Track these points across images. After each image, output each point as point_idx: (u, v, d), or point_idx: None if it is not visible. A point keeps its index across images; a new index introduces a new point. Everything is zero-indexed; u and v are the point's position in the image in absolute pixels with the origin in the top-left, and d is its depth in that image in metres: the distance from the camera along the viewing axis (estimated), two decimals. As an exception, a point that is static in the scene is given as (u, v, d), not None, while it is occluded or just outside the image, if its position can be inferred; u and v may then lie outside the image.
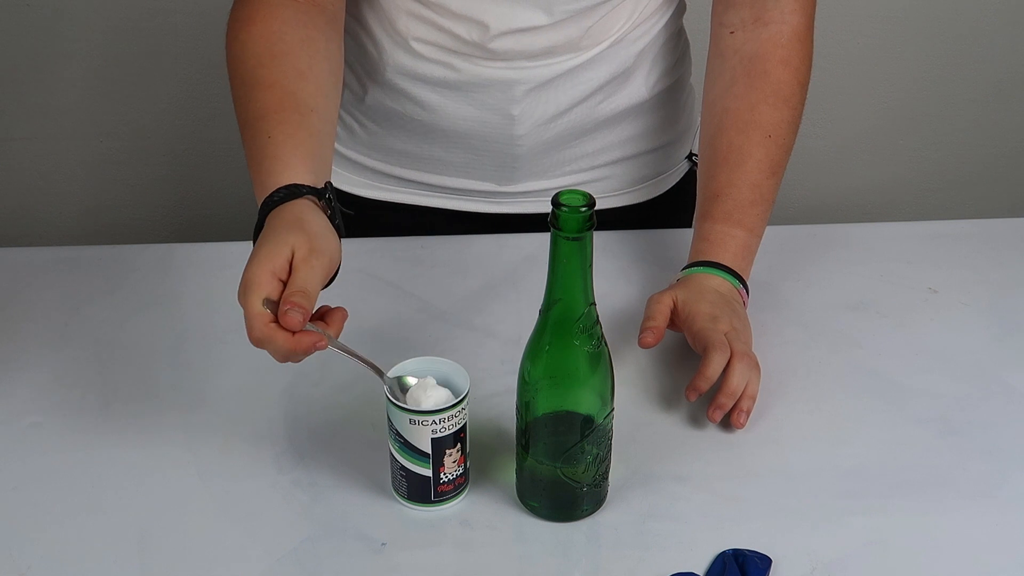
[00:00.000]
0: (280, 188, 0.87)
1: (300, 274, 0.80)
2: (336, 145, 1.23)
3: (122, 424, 0.98)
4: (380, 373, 0.86)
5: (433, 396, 0.85)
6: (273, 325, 0.79)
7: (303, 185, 0.88)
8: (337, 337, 0.84)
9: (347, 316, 0.85)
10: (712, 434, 0.97)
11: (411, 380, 0.87)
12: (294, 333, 0.79)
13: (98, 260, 1.20)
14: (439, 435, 0.85)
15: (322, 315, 0.85)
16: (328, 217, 0.88)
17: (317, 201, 0.88)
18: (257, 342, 0.79)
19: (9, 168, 2.14)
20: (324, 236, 0.84)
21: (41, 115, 2.09)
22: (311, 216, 0.85)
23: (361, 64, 1.17)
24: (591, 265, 0.79)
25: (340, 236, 0.87)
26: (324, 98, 0.99)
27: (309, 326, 0.81)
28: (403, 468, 0.87)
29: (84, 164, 2.15)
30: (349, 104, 1.20)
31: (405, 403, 0.84)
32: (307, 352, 0.80)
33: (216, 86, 2.03)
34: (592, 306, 0.81)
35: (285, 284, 0.81)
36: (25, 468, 0.93)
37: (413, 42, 1.11)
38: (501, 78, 1.11)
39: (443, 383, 0.88)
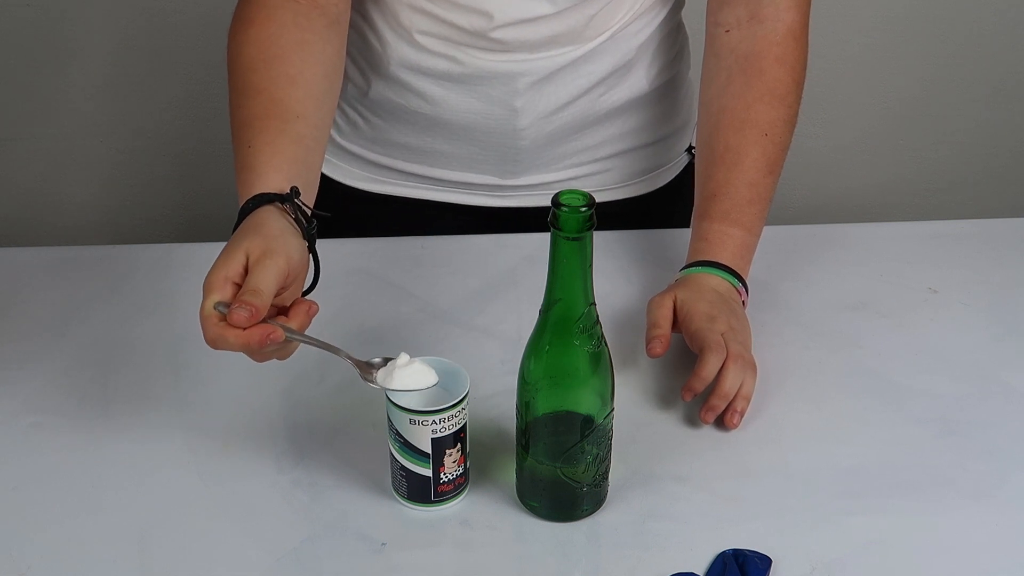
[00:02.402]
0: (249, 200, 0.89)
1: (253, 275, 0.81)
2: (339, 139, 1.24)
3: (122, 424, 0.98)
4: (347, 357, 0.86)
5: (411, 378, 0.85)
6: (223, 324, 0.80)
7: (269, 193, 0.90)
8: (304, 329, 0.84)
9: (315, 309, 0.85)
10: (712, 434, 0.97)
11: (376, 360, 0.86)
12: (245, 329, 0.80)
13: (98, 260, 1.20)
14: (439, 435, 0.85)
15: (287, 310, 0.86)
16: (294, 220, 0.89)
17: (282, 205, 0.90)
18: (211, 343, 0.81)
19: (10, 168, 2.14)
20: (281, 237, 0.85)
21: (42, 115, 2.09)
22: (271, 220, 0.87)
23: (365, 58, 1.17)
24: (591, 265, 0.79)
25: (307, 235, 0.89)
26: (314, 102, 0.99)
27: (274, 323, 0.82)
28: (403, 468, 0.87)
29: (85, 164, 2.15)
30: (352, 98, 1.21)
31: (375, 382, 0.85)
32: (261, 344, 0.80)
33: (217, 86, 2.03)
34: (592, 306, 0.81)
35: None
36: (25, 468, 0.93)
37: (417, 35, 1.11)
38: (504, 71, 1.12)
39: (443, 383, 0.88)
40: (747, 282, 1.08)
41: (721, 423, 0.97)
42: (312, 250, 0.90)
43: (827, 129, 2.19)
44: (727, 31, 1.12)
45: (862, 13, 2.09)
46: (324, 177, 1.24)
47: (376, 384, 0.85)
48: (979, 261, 1.21)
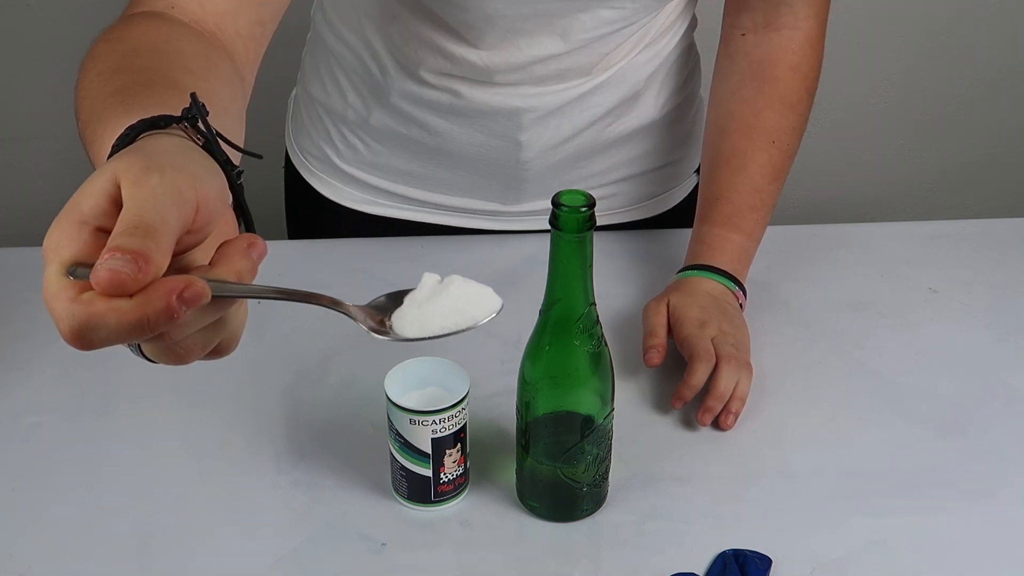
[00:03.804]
0: (120, 136, 0.57)
1: (131, 204, 0.48)
2: (339, 163, 1.20)
3: (122, 424, 0.98)
4: (331, 304, 0.58)
5: (465, 306, 0.59)
6: (87, 298, 0.46)
7: (156, 116, 0.57)
8: (251, 278, 0.51)
9: (261, 247, 0.53)
10: (712, 434, 0.97)
11: (380, 300, 0.62)
12: (132, 296, 0.46)
13: (98, 260, 1.19)
14: (439, 435, 0.85)
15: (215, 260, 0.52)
16: (203, 147, 0.58)
17: (177, 129, 0.58)
18: (75, 335, 0.47)
19: (9, 168, 2.15)
20: (178, 154, 0.54)
21: (42, 115, 2.09)
22: (156, 139, 0.55)
23: (366, 85, 1.13)
24: (591, 265, 0.79)
25: (227, 175, 0.57)
26: (220, 104, 0.67)
27: (212, 281, 0.49)
28: (403, 468, 0.87)
29: (84, 164, 2.14)
30: (353, 124, 1.17)
31: (390, 329, 0.60)
32: (169, 314, 0.46)
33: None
34: (592, 306, 0.81)
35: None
36: (25, 468, 0.93)
37: (420, 68, 1.07)
38: (507, 106, 1.08)
39: (443, 383, 0.88)
40: (745, 286, 1.08)
41: (717, 424, 0.97)
42: (239, 199, 0.59)
43: (827, 129, 2.19)
44: (743, 35, 1.10)
45: (862, 13, 2.09)
46: (322, 198, 1.23)
47: (401, 336, 0.56)
48: (979, 261, 1.21)
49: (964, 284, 1.17)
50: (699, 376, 0.96)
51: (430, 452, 0.86)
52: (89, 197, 0.50)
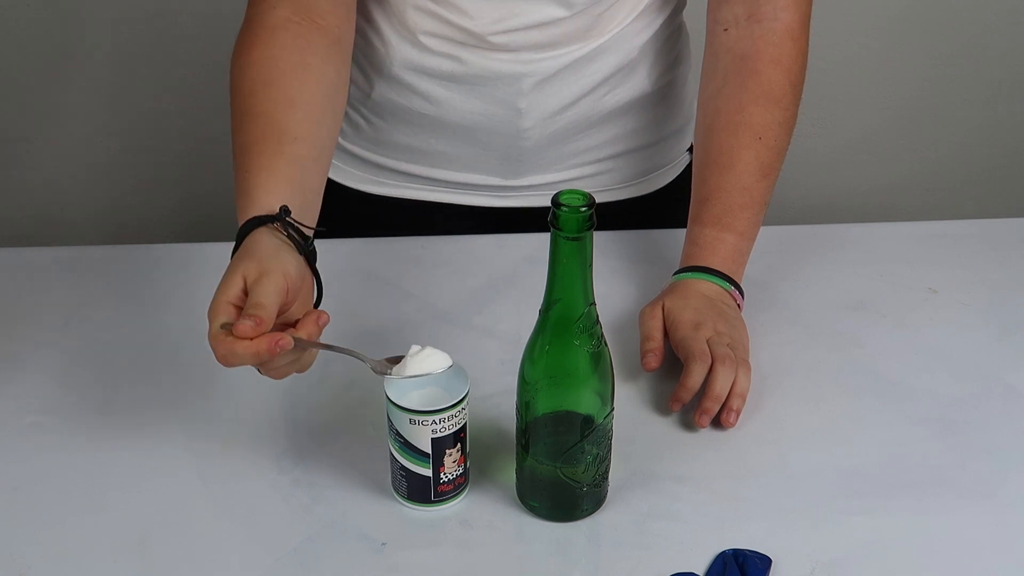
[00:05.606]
0: (244, 224, 0.91)
1: (253, 294, 0.83)
2: (341, 141, 1.24)
3: (122, 424, 0.98)
4: (361, 357, 0.87)
5: (426, 362, 0.86)
6: (231, 339, 0.82)
7: (261, 216, 0.90)
8: (314, 338, 0.86)
9: (324, 318, 0.86)
10: (712, 434, 0.97)
11: (391, 357, 0.88)
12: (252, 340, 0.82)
13: (98, 260, 1.20)
14: (439, 435, 0.85)
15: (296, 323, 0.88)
16: (287, 237, 0.90)
17: (274, 226, 0.90)
18: (223, 360, 0.82)
19: (11, 168, 2.15)
20: (275, 256, 0.86)
21: (43, 116, 2.09)
22: (264, 241, 0.88)
23: (367, 59, 1.17)
24: (591, 265, 0.79)
25: (303, 252, 0.90)
26: (313, 124, 0.99)
27: (295, 337, 0.84)
28: (403, 468, 0.87)
29: (85, 165, 2.15)
30: (355, 100, 1.20)
31: (391, 372, 0.87)
32: (270, 352, 0.81)
33: (218, 86, 2.02)
34: (592, 306, 0.81)
35: None
36: (25, 468, 0.93)
37: (421, 36, 1.11)
38: (508, 71, 1.11)
39: (443, 383, 0.88)
40: (741, 286, 1.08)
41: (719, 423, 0.97)
42: (312, 266, 0.91)
43: (826, 129, 2.19)
44: (725, 29, 1.11)
45: (861, 13, 2.09)
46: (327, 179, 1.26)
47: (394, 374, 0.86)
48: (979, 261, 1.21)
49: (964, 284, 1.17)
50: (695, 378, 0.96)
51: (430, 452, 0.86)
52: (232, 287, 0.84)
